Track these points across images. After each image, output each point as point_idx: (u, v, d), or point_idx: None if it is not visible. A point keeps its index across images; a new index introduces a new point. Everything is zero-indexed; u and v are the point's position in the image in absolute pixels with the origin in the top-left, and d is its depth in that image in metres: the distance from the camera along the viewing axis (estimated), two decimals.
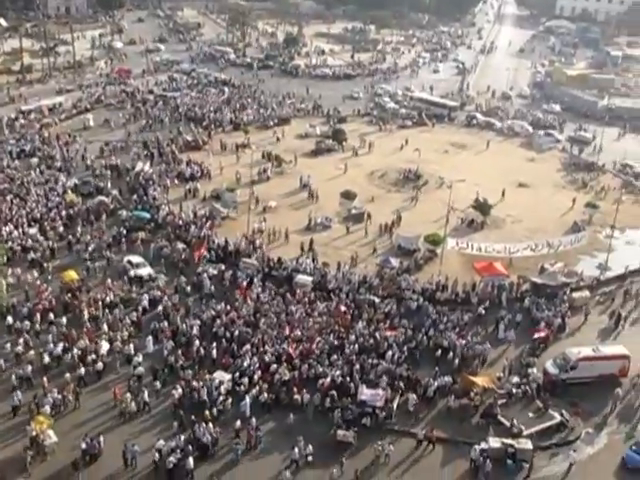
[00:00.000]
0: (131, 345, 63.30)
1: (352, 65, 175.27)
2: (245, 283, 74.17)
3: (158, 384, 59.40)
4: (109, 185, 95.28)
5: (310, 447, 53.65)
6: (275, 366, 61.27)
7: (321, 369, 61.96)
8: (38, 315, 66.20)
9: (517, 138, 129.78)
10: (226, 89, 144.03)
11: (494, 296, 75.81)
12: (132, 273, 74.52)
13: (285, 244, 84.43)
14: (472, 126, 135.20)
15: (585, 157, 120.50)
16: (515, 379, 63.13)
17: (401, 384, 60.90)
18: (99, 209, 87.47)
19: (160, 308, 69.35)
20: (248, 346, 63.66)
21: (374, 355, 64.29)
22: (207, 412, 56.29)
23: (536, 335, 69.22)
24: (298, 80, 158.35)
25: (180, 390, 58.22)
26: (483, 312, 72.61)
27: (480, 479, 53.40)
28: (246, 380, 59.98)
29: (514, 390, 61.64)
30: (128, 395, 57.62)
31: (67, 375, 59.13)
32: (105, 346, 62.79)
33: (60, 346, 62.21)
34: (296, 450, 53.30)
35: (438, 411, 60.27)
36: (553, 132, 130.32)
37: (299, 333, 65.98)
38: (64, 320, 65.94)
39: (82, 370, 59.81)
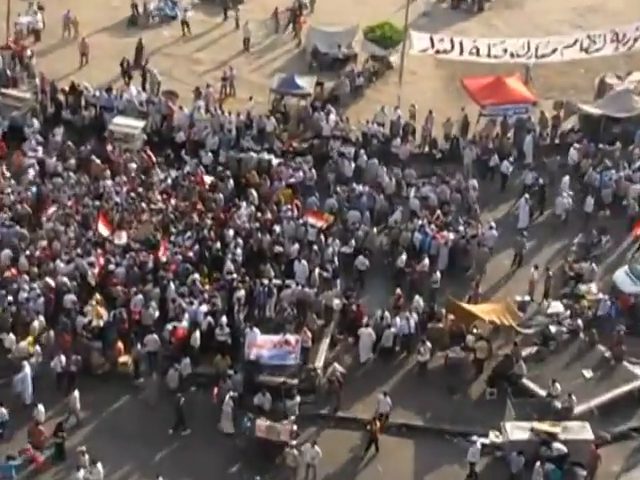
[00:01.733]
0: None
1: None
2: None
3: None
4: None
5: (100, 466, 42.91)
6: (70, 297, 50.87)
7: (172, 302, 51.20)
8: None
9: None
10: None
11: (509, 144, 66.35)
12: None
13: (87, 56, 73.15)
14: None
15: None
16: (557, 306, 52.02)
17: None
18: None
19: None
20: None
21: (273, 269, 53.83)
22: None
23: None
24: None
25: None
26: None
27: None
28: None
29: (553, 328, 51.07)
30: None
31: None
32: None
33: None
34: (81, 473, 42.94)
35: (404, 373, 50.22)
36: None
37: (124, 236, 54.83)
38: None
39: None
